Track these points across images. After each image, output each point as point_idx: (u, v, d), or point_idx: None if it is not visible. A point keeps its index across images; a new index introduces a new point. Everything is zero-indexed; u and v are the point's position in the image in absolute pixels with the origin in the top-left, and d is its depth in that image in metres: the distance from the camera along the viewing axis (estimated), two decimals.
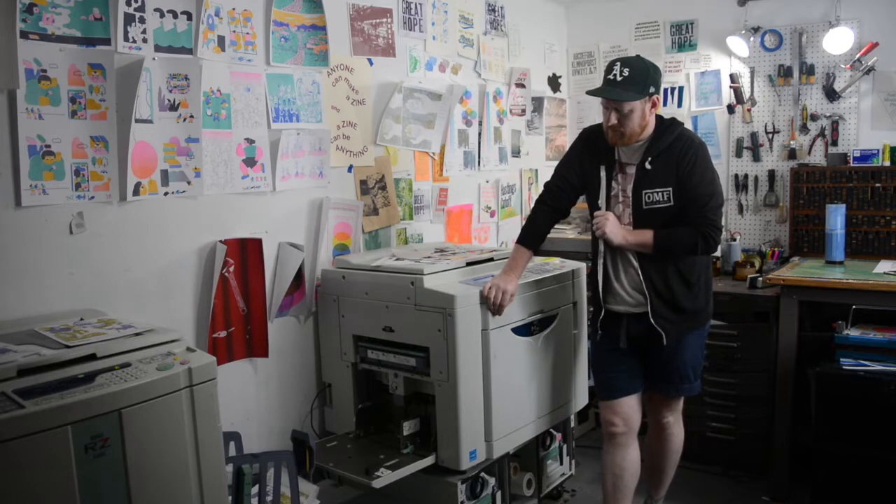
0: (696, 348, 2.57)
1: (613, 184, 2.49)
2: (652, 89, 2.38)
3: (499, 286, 2.45)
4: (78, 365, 1.68)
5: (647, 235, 2.39)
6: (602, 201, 2.49)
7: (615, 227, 2.41)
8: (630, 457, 2.58)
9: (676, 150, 2.40)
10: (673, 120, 2.49)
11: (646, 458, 2.70)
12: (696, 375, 2.60)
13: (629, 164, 2.46)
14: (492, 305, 2.45)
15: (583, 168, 2.55)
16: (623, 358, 2.54)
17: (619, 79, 2.36)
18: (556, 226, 2.70)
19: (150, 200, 2.29)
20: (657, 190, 2.40)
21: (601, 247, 2.50)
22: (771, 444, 3.09)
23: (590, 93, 2.44)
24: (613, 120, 2.38)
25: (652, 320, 2.43)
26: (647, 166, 2.40)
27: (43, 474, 1.50)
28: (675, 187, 2.38)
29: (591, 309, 2.65)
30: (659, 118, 2.47)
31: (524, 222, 2.71)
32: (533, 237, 2.58)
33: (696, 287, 2.48)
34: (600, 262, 2.51)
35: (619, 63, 2.38)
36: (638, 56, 2.47)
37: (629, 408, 2.57)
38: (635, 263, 2.45)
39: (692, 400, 3.30)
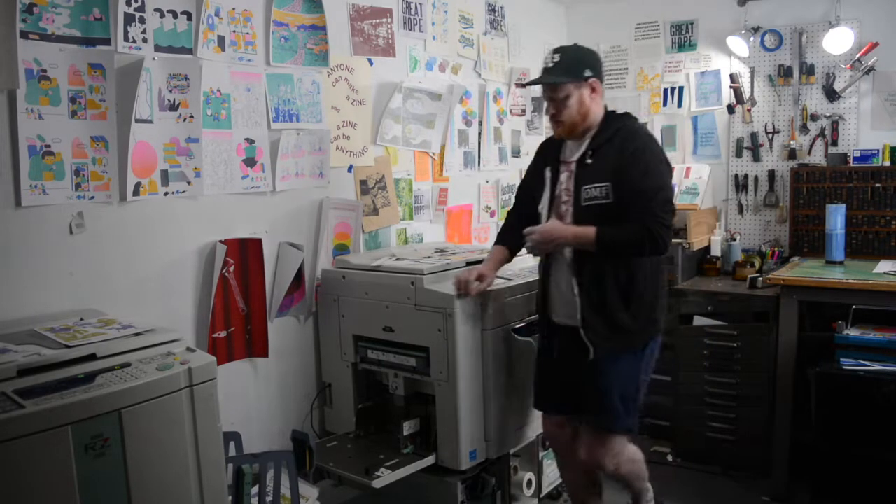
0: (629, 376, 2.31)
1: (558, 183, 2.38)
2: (588, 73, 2.27)
3: (470, 270, 2.42)
4: (78, 365, 1.68)
5: (589, 231, 2.20)
6: (543, 203, 2.40)
7: (548, 232, 2.28)
8: (566, 476, 2.62)
9: (618, 141, 2.25)
10: (624, 113, 2.39)
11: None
12: (627, 409, 2.30)
13: (573, 160, 2.35)
14: (458, 283, 2.37)
15: (537, 172, 2.49)
16: (556, 373, 2.42)
17: (550, 65, 2.28)
18: None
19: (150, 200, 2.29)
20: (596, 185, 2.24)
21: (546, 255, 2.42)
22: (771, 444, 3.09)
23: (522, 85, 2.44)
24: (552, 109, 2.31)
25: (581, 332, 2.27)
26: (588, 160, 2.28)
27: (43, 474, 1.50)
28: (614, 182, 2.21)
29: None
30: (610, 112, 2.36)
31: None
32: (504, 235, 2.57)
33: (636, 303, 2.27)
34: (541, 268, 2.45)
35: (552, 51, 2.32)
36: (575, 44, 2.43)
37: (553, 427, 2.52)
38: (571, 270, 2.30)
39: (692, 400, 3.32)
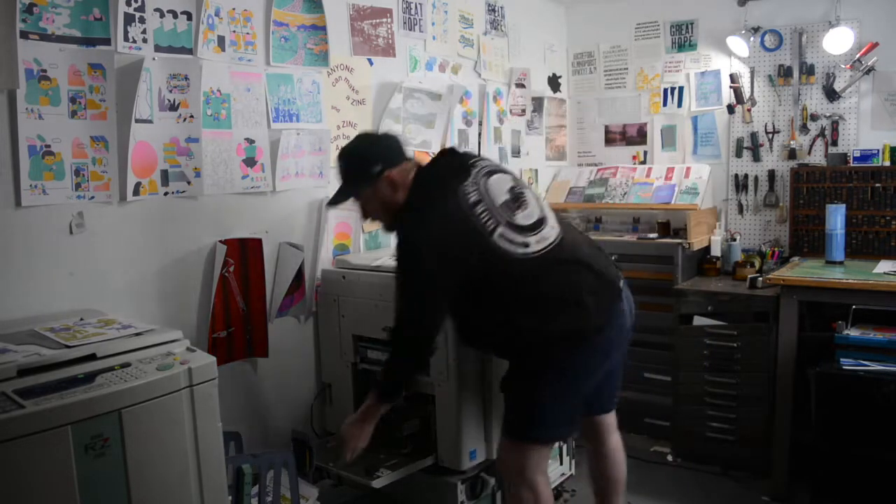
0: (524, 397, 2.16)
1: None
2: (377, 168, 2.10)
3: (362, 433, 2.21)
4: (78, 365, 1.68)
5: (369, 397, 2.19)
6: None
7: (347, 434, 2.18)
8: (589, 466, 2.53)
9: (399, 237, 2.10)
10: (407, 201, 2.12)
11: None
12: (520, 421, 2.17)
13: None
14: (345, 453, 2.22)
15: None
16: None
17: (341, 175, 2.19)
18: None
19: (150, 200, 2.29)
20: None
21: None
22: (771, 444, 3.09)
23: (328, 204, 2.32)
24: (361, 215, 2.26)
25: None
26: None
27: (43, 474, 1.50)
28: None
29: None
30: (412, 186, 2.12)
31: None
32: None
33: (504, 343, 2.19)
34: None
35: (337, 158, 2.23)
36: (359, 135, 2.27)
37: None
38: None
39: (692, 400, 3.32)
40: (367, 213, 2.25)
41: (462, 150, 2.47)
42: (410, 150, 2.23)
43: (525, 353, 2.13)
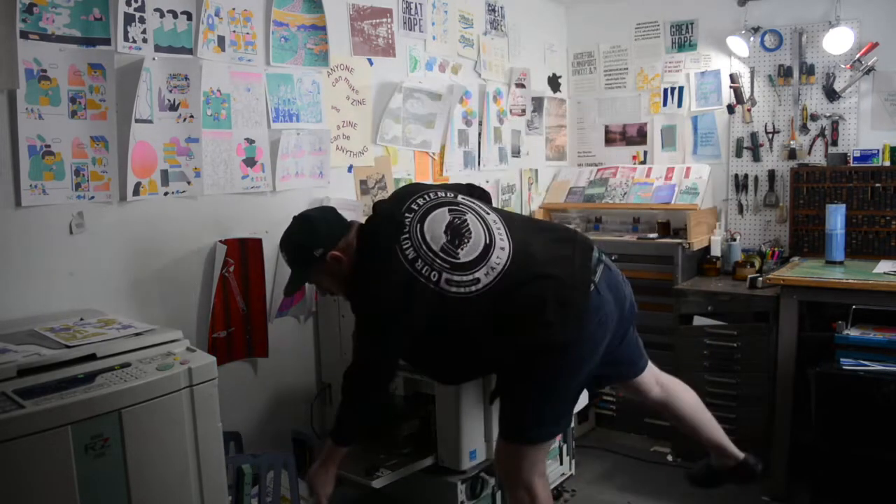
0: (519, 399, 2.18)
1: None
2: (319, 251, 2.09)
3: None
4: (78, 365, 1.68)
5: (327, 441, 2.19)
6: None
7: (314, 482, 2.18)
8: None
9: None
10: (365, 262, 2.11)
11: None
12: (517, 423, 2.18)
13: None
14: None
15: None
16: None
17: (289, 265, 2.19)
18: None
19: (150, 200, 2.29)
20: None
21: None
22: (771, 444, 3.09)
23: (285, 295, 2.32)
24: (321, 294, 2.31)
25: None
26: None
27: (43, 474, 1.50)
28: None
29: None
30: (356, 254, 2.13)
31: None
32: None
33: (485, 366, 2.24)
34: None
35: (280, 250, 2.24)
36: (293, 221, 2.20)
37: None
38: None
39: None
40: (324, 290, 2.29)
41: (399, 186, 2.42)
42: (345, 219, 2.22)
43: (505, 368, 2.17)
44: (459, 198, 2.20)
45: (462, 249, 2.05)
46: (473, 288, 2.02)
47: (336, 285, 2.19)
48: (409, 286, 2.01)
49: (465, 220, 2.11)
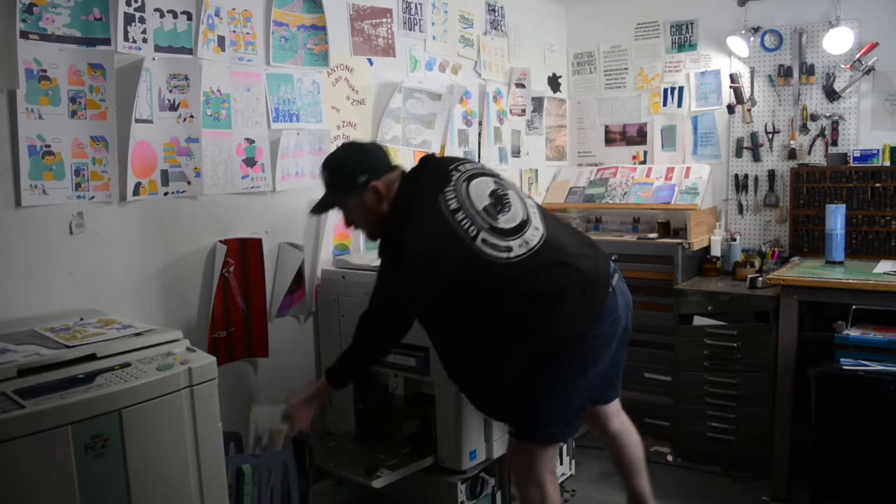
0: (512, 404, 2.19)
1: None
2: (362, 178, 2.11)
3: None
4: (78, 365, 1.68)
5: (323, 380, 2.19)
6: None
7: (295, 410, 2.17)
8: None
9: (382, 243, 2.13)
10: (399, 191, 2.14)
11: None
12: (520, 421, 2.20)
13: None
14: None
15: None
16: None
17: (325, 185, 2.20)
18: None
19: (150, 200, 2.29)
20: None
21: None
22: (771, 444, 3.09)
23: (311, 213, 2.32)
24: (345, 223, 2.27)
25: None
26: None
27: (43, 474, 1.50)
28: None
29: None
30: (396, 195, 2.13)
31: None
32: None
33: (467, 375, 2.22)
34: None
35: (321, 167, 2.21)
36: (343, 145, 2.28)
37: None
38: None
39: (692, 400, 3.32)
40: (350, 222, 2.25)
41: (444, 155, 2.47)
42: (394, 160, 2.22)
43: (512, 362, 2.09)
44: (502, 175, 2.27)
45: (502, 216, 2.08)
46: (505, 255, 2.03)
47: (365, 218, 2.18)
48: (445, 235, 2.01)
49: (507, 194, 2.15)
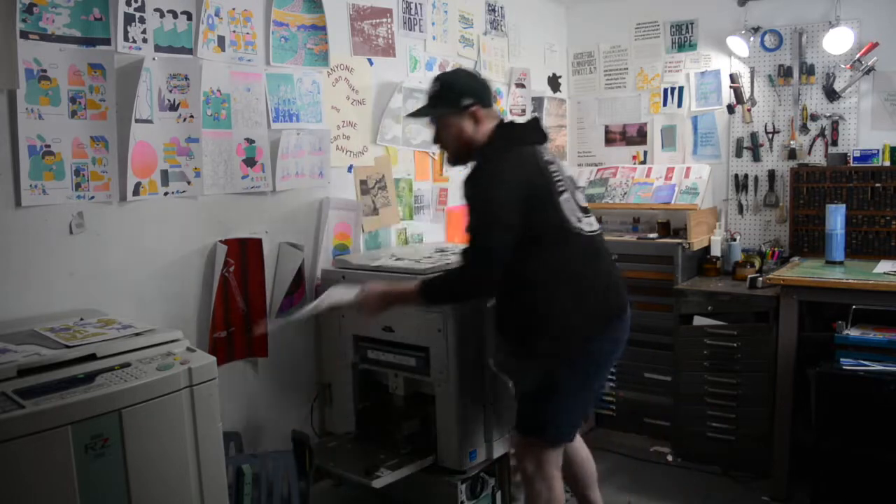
0: (540, 397, 2.19)
1: None
2: (467, 101, 2.16)
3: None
4: (78, 365, 1.68)
5: (409, 287, 2.15)
6: None
7: (374, 296, 2.17)
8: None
9: (468, 174, 2.14)
10: (483, 145, 2.19)
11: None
12: (534, 417, 2.21)
13: None
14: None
15: None
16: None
17: (429, 95, 2.24)
18: None
19: (150, 200, 2.29)
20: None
21: None
22: (771, 444, 3.09)
23: (409, 115, 2.38)
24: (434, 136, 2.29)
25: (492, 362, 2.33)
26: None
27: (43, 474, 1.50)
28: None
29: None
30: (492, 134, 2.19)
31: None
32: None
33: (526, 335, 2.17)
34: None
35: (433, 80, 2.27)
36: (457, 70, 2.34)
37: None
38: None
39: (692, 400, 3.32)
40: (440, 139, 2.28)
41: None
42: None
43: (542, 341, 2.12)
44: None
45: (579, 193, 2.26)
46: (577, 224, 2.15)
47: (455, 141, 2.22)
48: (537, 175, 2.12)
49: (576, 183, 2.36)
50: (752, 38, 3.69)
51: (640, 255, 3.63)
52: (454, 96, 2.19)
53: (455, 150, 2.24)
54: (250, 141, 2.58)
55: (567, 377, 2.15)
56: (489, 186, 2.07)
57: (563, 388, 2.15)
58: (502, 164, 2.09)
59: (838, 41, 3.43)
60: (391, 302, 2.20)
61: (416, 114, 2.29)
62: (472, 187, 2.09)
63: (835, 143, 3.56)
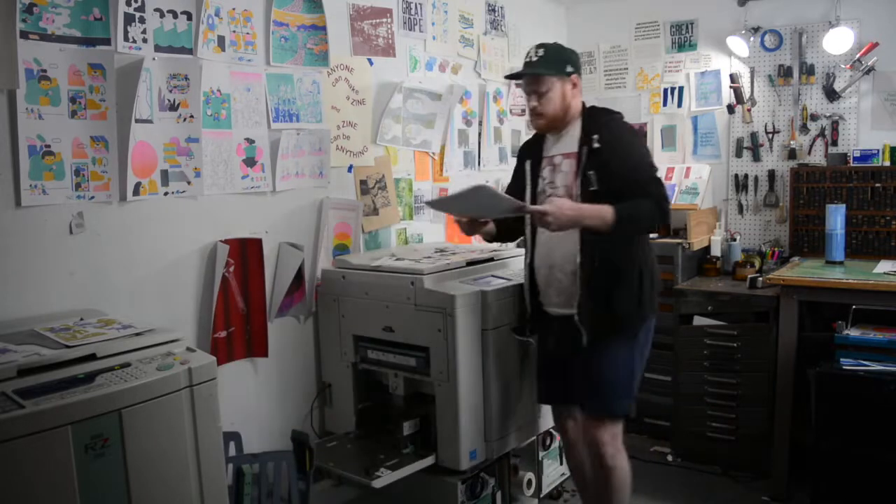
0: (622, 363, 2.34)
1: (539, 179, 2.42)
2: (570, 69, 2.35)
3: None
4: (78, 365, 1.68)
5: (605, 210, 2.17)
6: (528, 197, 2.41)
7: (568, 210, 2.18)
8: (571, 464, 2.68)
9: (606, 133, 2.28)
10: (604, 108, 2.45)
11: (590, 489, 2.53)
12: (618, 393, 2.34)
13: (558, 154, 2.39)
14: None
15: (520, 171, 2.52)
16: (554, 364, 2.48)
17: (534, 59, 2.35)
18: None
19: (150, 200, 2.29)
20: (598, 171, 2.25)
21: (539, 236, 2.40)
22: (771, 444, 3.09)
23: (508, 77, 2.50)
24: (534, 102, 2.35)
25: (576, 318, 2.29)
26: (596, 145, 2.26)
27: (43, 474, 1.50)
28: (600, 172, 2.24)
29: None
30: (591, 107, 2.44)
31: None
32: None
33: (629, 286, 2.30)
34: (527, 256, 2.46)
35: (535, 47, 2.38)
36: (556, 42, 2.45)
37: (561, 416, 2.59)
38: (572, 256, 2.30)
39: (692, 400, 3.32)
40: (541, 98, 2.34)
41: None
42: None
43: (633, 312, 2.34)
44: None
45: None
46: None
47: (555, 104, 2.35)
48: None
49: None
50: (752, 38, 3.69)
51: None
52: (560, 62, 2.34)
53: (553, 114, 2.35)
54: (250, 141, 2.58)
55: (641, 352, 2.38)
56: (643, 144, 2.41)
57: (637, 364, 2.37)
58: (643, 145, 2.40)
59: (838, 41, 3.43)
60: (585, 217, 2.19)
61: (534, 69, 2.33)
62: (630, 133, 2.42)
63: (835, 143, 3.56)
